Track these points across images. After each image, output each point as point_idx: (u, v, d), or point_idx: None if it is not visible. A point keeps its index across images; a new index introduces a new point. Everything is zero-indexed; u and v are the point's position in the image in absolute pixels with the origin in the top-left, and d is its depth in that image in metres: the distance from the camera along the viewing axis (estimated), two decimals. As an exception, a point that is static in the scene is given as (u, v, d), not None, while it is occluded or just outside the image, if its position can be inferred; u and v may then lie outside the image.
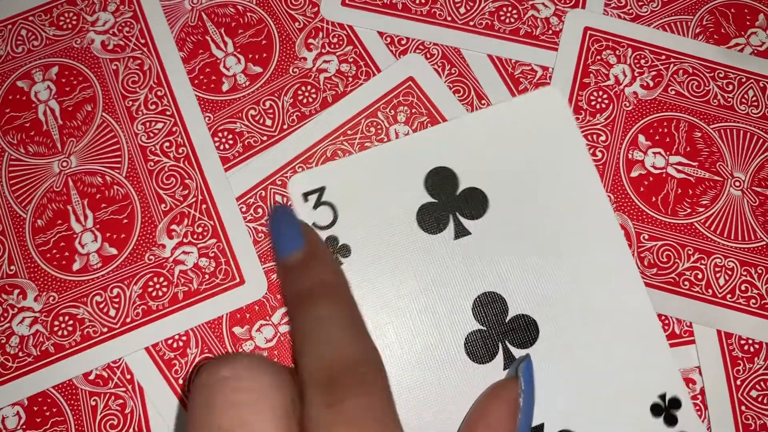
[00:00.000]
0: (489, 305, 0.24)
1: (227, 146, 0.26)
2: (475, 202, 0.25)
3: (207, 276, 0.25)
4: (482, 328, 0.24)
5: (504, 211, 0.25)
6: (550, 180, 0.25)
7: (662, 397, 0.24)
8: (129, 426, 0.24)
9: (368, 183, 0.25)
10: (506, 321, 0.24)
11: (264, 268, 0.25)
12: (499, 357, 0.24)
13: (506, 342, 0.24)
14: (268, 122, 0.26)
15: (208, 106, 0.26)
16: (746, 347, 0.25)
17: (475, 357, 0.24)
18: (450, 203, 0.25)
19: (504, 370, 0.24)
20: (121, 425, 0.24)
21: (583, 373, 0.24)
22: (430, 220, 0.25)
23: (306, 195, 0.25)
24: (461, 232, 0.25)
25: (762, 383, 0.25)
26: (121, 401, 0.24)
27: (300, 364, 0.18)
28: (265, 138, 0.26)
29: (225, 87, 0.27)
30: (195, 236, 0.25)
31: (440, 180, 0.25)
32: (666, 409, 0.24)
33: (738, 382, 0.25)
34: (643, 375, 0.24)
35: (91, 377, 0.24)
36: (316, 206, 0.25)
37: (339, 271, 0.21)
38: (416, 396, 0.24)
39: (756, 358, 0.25)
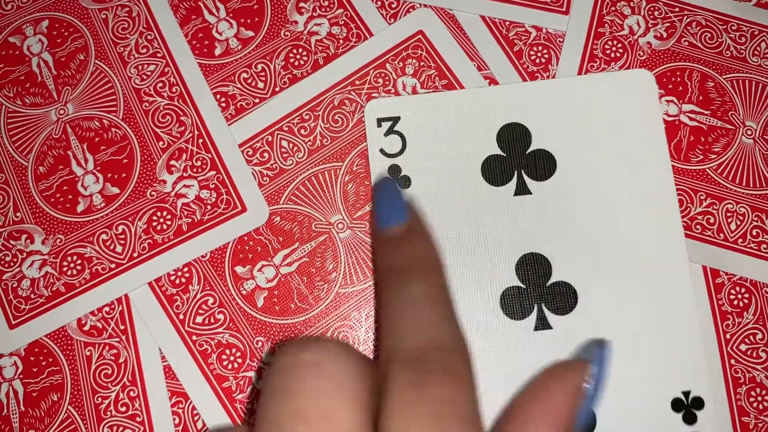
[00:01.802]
0: (533, 265, 0.24)
1: (221, 108, 0.26)
2: (543, 164, 0.25)
3: (209, 207, 0.25)
4: (522, 285, 0.24)
5: (569, 179, 0.25)
6: (620, 159, 0.25)
7: (686, 394, 0.23)
8: (123, 375, 0.24)
9: (442, 123, 0.25)
10: (547, 284, 0.24)
11: (264, 195, 0.25)
12: (533, 317, 0.24)
13: (542, 304, 0.24)
14: (260, 85, 0.26)
15: (202, 70, 0.26)
16: (735, 302, 0.25)
17: (509, 311, 0.24)
18: (518, 160, 0.25)
19: (535, 330, 0.24)
20: (115, 374, 0.24)
21: (612, 354, 0.23)
22: (494, 171, 0.25)
23: (380, 121, 0.25)
24: (522, 190, 0.25)
25: (751, 337, 0.25)
26: (115, 351, 0.24)
27: (386, 342, 0.18)
28: (257, 100, 0.26)
29: (218, 51, 0.26)
30: (194, 170, 0.25)
31: (513, 135, 0.25)
32: (687, 406, 0.23)
33: (728, 336, 0.25)
34: (672, 368, 0.23)
35: (86, 327, 0.24)
36: (387, 134, 0.25)
37: (436, 250, 0.21)
38: None
39: (745, 313, 0.25)
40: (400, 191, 0.22)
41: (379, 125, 0.25)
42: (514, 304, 0.24)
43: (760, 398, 0.24)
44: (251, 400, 0.24)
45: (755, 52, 0.27)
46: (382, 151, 0.25)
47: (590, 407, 0.18)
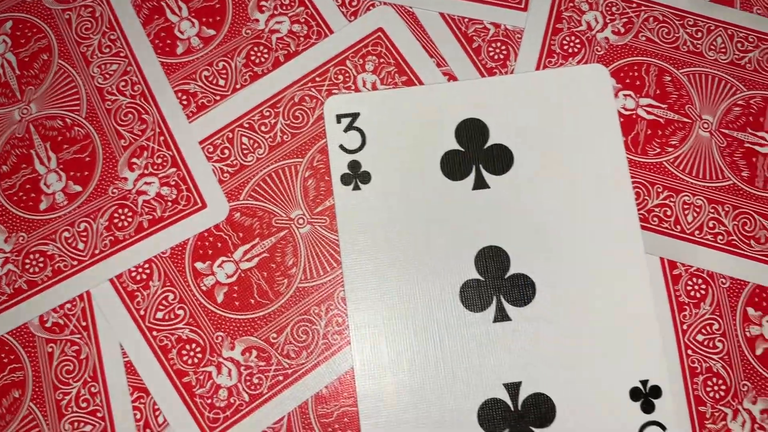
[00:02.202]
0: (491, 258, 0.24)
1: (182, 106, 0.26)
2: (501, 159, 0.25)
3: (170, 203, 0.25)
4: (480, 278, 0.24)
5: (526, 172, 0.25)
6: (576, 152, 0.25)
7: (644, 383, 0.24)
8: (84, 371, 0.24)
9: (401, 119, 0.26)
10: (505, 277, 0.24)
11: (224, 191, 0.25)
12: (491, 309, 0.24)
13: (501, 296, 0.24)
14: (222, 82, 0.26)
15: (164, 69, 0.26)
16: (693, 293, 0.25)
17: (468, 304, 0.24)
18: (476, 154, 0.25)
19: (494, 322, 0.24)
20: (77, 371, 0.24)
21: (570, 344, 0.24)
22: (453, 166, 0.25)
23: (339, 117, 0.25)
24: (481, 184, 0.25)
25: (708, 327, 0.25)
26: (76, 347, 0.24)
27: None
28: (218, 98, 0.26)
29: (180, 50, 0.27)
30: (155, 167, 0.25)
31: (471, 131, 0.26)
32: (645, 395, 0.24)
33: (685, 327, 0.25)
34: (630, 358, 0.24)
35: (48, 324, 0.24)
36: (347, 130, 0.25)
37: None
38: (403, 325, 0.24)
39: (702, 304, 0.25)
40: None
41: (339, 121, 0.26)
42: (473, 297, 0.24)
43: (717, 387, 0.24)
44: (211, 394, 0.24)
45: (711, 46, 0.28)
46: (341, 147, 0.25)
47: None
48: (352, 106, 0.26)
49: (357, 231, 0.25)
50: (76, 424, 0.24)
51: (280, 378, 0.24)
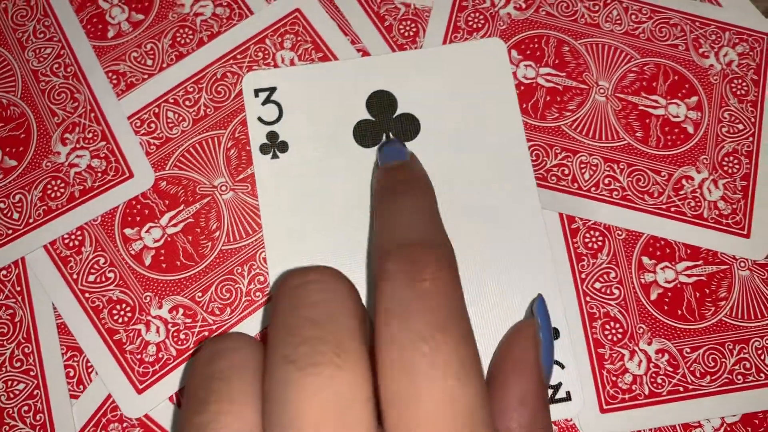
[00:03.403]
0: None
1: (112, 85, 0.28)
2: (408, 127, 0.27)
3: (100, 174, 0.27)
4: None
5: (432, 139, 0.27)
6: (477, 119, 0.27)
7: None
8: (18, 333, 0.25)
9: (316, 92, 0.27)
10: None
11: (151, 162, 0.27)
12: None
13: None
14: (149, 62, 0.28)
15: (96, 51, 0.28)
16: (590, 245, 0.27)
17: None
18: (386, 123, 0.27)
19: None
20: (11, 333, 0.25)
21: (474, 293, 0.25)
22: (364, 134, 0.27)
23: (257, 91, 0.27)
24: None
25: (605, 276, 0.27)
26: (11, 311, 0.26)
27: (380, 242, 0.19)
28: (146, 76, 0.28)
29: (110, 34, 0.29)
30: (86, 141, 0.27)
31: (381, 102, 0.27)
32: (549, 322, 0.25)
33: (583, 276, 0.27)
34: (528, 304, 0.26)
35: (-16, 291, 0.26)
36: (264, 103, 0.27)
37: (429, 181, 0.23)
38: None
39: (599, 254, 0.27)
40: (403, 143, 0.25)
41: (257, 95, 0.27)
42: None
43: (614, 330, 0.26)
44: (140, 350, 0.25)
45: (608, 18, 0.30)
46: (260, 119, 0.27)
47: (548, 348, 0.21)
48: (270, 81, 0.28)
49: (276, 196, 0.26)
50: (9, 382, 0.25)
51: (206, 333, 0.25)
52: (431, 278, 0.17)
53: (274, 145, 0.27)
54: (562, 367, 0.25)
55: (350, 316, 0.17)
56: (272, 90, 0.27)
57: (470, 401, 0.15)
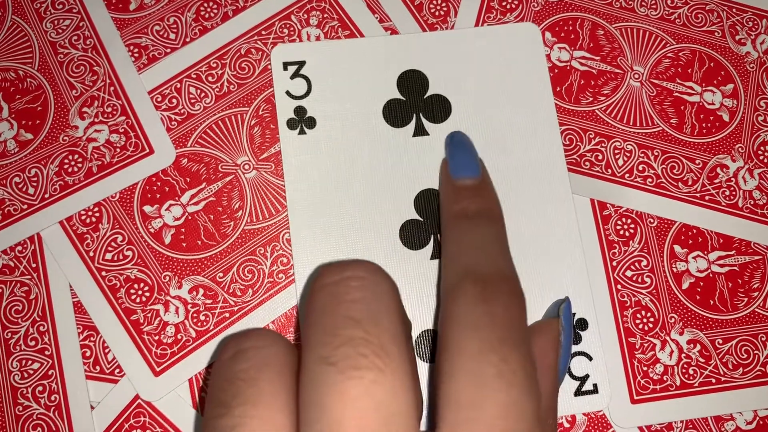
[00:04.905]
0: (429, 200, 0.25)
1: (133, 59, 0.27)
2: (439, 108, 0.27)
3: (119, 149, 0.26)
4: (420, 218, 0.25)
5: (463, 121, 0.26)
6: (509, 102, 0.27)
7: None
8: (33, 311, 0.25)
9: (346, 68, 0.27)
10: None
11: (172, 138, 0.26)
12: (429, 247, 0.25)
13: (438, 235, 0.25)
14: (172, 36, 0.27)
15: (116, 24, 0.27)
16: (622, 232, 0.26)
17: (407, 242, 0.25)
18: (416, 103, 0.27)
19: (431, 259, 0.25)
20: (26, 310, 0.25)
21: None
22: (394, 114, 0.26)
23: (286, 64, 0.27)
24: (420, 131, 0.26)
25: (636, 264, 0.26)
26: (26, 288, 0.25)
27: (458, 266, 0.20)
28: (168, 50, 0.27)
29: (132, 6, 0.28)
30: (105, 115, 0.26)
31: (412, 81, 0.27)
32: (573, 327, 0.24)
33: (614, 264, 0.26)
34: (559, 293, 0.25)
35: (-1, 267, 0.25)
36: (293, 77, 0.26)
37: (500, 205, 0.23)
38: None
39: (631, 242, 0.26)
40: (473, 146, 0.25)
41: (285, 68, 0.27)
42: (412, 236, 0.25)
43: (645, 320, 0.25)
44: (158, 331, 0.24)
45: (643, 3, 0.29)
46: (288, 93, 0.26)
47: (566, 353, 0.21)
48: (299, 55, 0.27)
49: (301, 174, 0.26)
50: (24, 361, 0.24)
51: (227, 315, 0.25)
52: (503, 306, 0.18)
53: (302, 121, 0.26)
54: (590, 359, 0.25)
55: (392, 316, 0.16)
56: (301, 64, 0.27)
57: (532, 414, 0.16)
